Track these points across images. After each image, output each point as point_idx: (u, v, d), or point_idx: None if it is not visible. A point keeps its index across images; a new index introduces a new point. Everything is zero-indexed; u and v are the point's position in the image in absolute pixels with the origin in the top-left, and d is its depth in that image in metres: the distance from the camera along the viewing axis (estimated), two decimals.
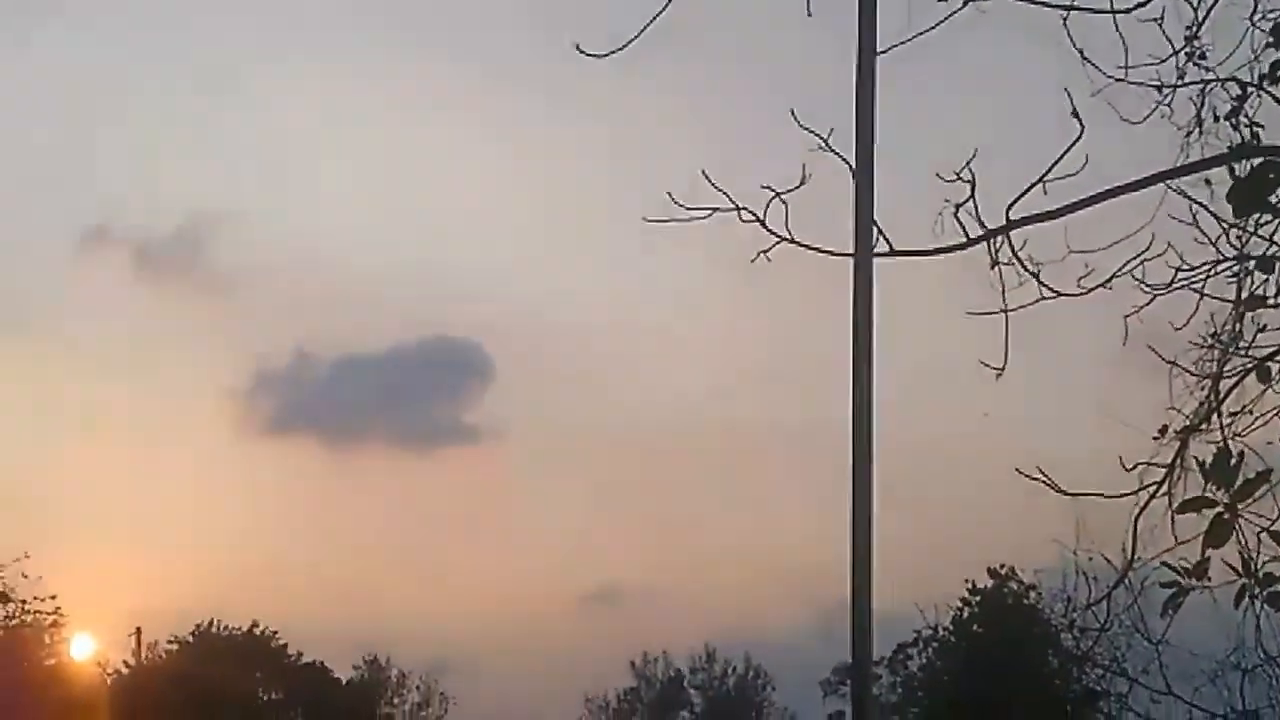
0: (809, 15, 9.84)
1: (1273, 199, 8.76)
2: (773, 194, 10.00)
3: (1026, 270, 9.42)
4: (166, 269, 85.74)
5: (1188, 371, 9.39)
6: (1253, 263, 9.13)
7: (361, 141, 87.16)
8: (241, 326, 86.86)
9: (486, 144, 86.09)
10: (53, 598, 37.68)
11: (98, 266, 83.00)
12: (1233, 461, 8.22)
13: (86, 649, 41.62)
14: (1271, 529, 8.17)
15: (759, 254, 10.16)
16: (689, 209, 10.22)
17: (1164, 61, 9.32)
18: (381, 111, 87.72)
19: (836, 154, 10.14)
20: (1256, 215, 8.98)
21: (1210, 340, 9.34)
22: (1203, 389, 9.34)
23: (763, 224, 9.96)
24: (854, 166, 10.33)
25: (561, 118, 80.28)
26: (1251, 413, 9.21)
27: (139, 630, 52.11)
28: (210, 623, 61.51)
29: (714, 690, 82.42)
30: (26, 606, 37.08)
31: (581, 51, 9.85)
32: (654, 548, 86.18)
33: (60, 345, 75.49)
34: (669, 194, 10.15)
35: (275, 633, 63.88)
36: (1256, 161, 8.86)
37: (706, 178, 9.99)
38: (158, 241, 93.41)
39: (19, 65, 77.31)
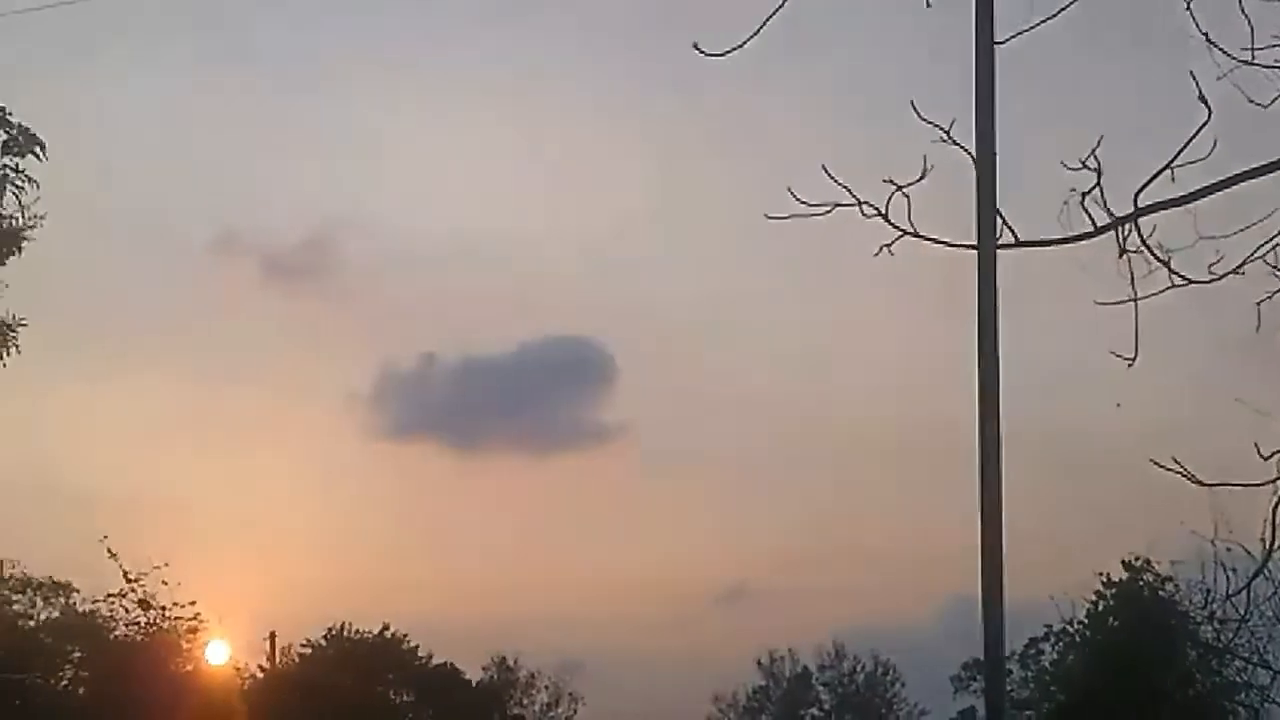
0: (928, 6, 9.77)
1: None
2: (894, 187, 9.95)
3: (1156, 258, 9.28)
4: (293, 274, 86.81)
5: None
6: None
7: (486, 145, 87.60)
8: (367, 330, 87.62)
9: (609, 144, 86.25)
10: (192, 604, 38.16)
11: (226, 273, 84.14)
12: None
13: (222, 654, 42.14)
14: None
15: (882, 248, 10.11)
16: (810, 204, 10.20)
17: None
18: (506, 115, 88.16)
19: (958, 145, 10.07)
20: None
21: None
22: None
23: (885, 218, 9.92)
24: (975, 157, 10.25)
25: (682, 116, 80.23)
26: None
27: (273, 635, 52.70)
28: (342, 626, 62.19)
29: (843, 687, 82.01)
30: (167, 613, 37.56)
31: (701, 51, 9.87)
32: (780, 546, 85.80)
33: (190, 352, 76.80)
34: (790, 190, 10.13)
35: (405, 635, 64.45)
36: None
37: (827, 172, 9.97)
38: (285, 247, 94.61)
39: (148, 74, 78.73)
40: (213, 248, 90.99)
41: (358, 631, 62.43)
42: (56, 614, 47.69)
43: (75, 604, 47.07)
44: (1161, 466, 9.35)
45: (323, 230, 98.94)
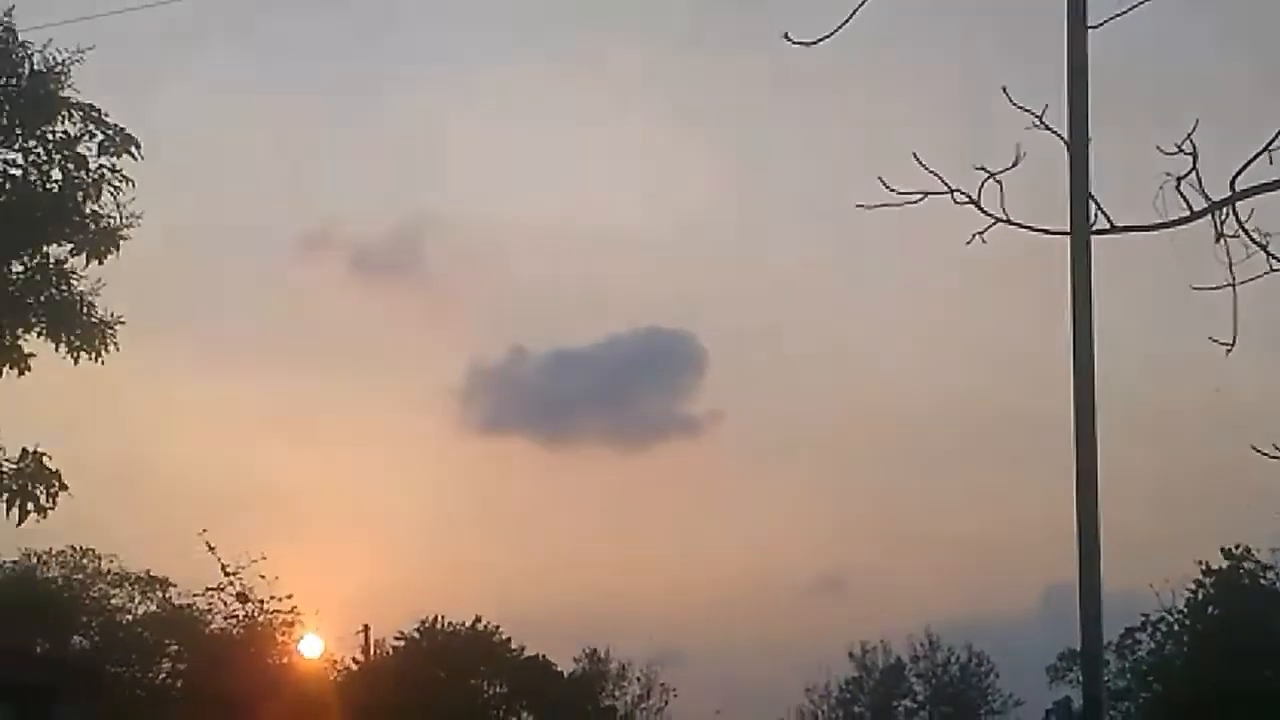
0: None
1: None
2: (986, 174, 9.88)
3: (1254, 242, 9.15)
4: (384, 270, 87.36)
5: None
6: None
7: (572, 137, 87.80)
8: (457, 325, 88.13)
9: (698, 133, 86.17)
10: (289, 597, 38.46)
11: (317, 269, 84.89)
12: None
13: (317, 647, 42.53)
14: None
15: (974, 235, 10.04)
16: (901, 193, 10.14)
17: None
18: (594, 106, 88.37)
19: (1051, 130, 9.98)
20: None
21: None
22: None
23: (977, 205, 9.85)
24: (1069, 142, 10.16)
25: (770, 106, 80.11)
26: None
27: (367, 628, 53.21)
28: (434, 619, 62.60)
29: (936, 678, 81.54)
30: (264, 606, 37.90)
31: (790, 40, 9.85)
32: (872, 536, 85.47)
33: (282, 349, 77.59)
34: (880, 179, 10.08)
35: (497, 627, 64.78)
36: None
37: (918, 160, 9.91)
38: (375, 243, 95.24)
39: (237, 71, 79.57)
40: (304, 244, 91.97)
41: (450, 624, 62.81)
42: (154, 608, 48.38)
43: (172, 598, 47.77)
44: (1261, 453, 9.23)
45: (413, 225, 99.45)
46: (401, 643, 61.21)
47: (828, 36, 9.88)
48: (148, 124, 26.00)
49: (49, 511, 23.83)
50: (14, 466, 23.43)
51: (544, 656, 67.27)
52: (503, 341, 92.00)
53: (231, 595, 37.91)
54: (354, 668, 53.00)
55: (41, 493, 23.53)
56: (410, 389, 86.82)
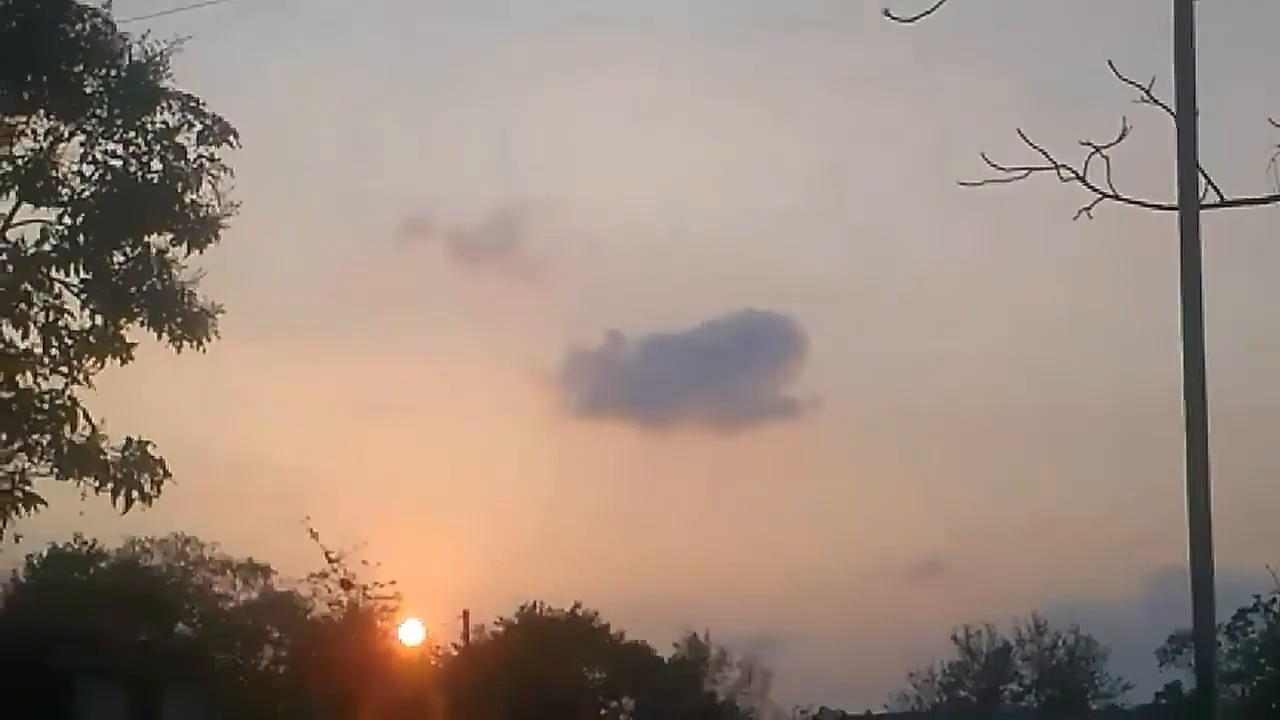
0: None
1: None
2: (1092, 149, 9.69)
3: None
4: (482, 255, 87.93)
5: None
6: None
7: (666, 122, 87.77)
8: (555, 310, 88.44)
9: (794, 117, 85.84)
10: (391, 583, 38.56)
11: (416, 255, 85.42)
12: None
13: (417, 633, 42.72)
14: None
15: (1080, 211, 9.86)
16: (1005, 170, 9.96)
17: None
18: (690, 92, 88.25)
19: (1158, 103, 9.75)
20: None
21: None
22: None
23: (1083, 180, 9.66)
24: (1176, 115, 9.92)
25: (868, 84, 79.57)
26: None
27: (466, 613, 53.43)
28: (534, 604, 62.84)
29: (1043, 662, 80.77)
30: (367, 592, 38.06)
31: (891, 16, 9.69)
32: (976, 519, 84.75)
33: (383, 334, 78.19)
34: (984, 155, 9.90)
35: (596, 613, 64.92)
36: None
37: (1023, 136, 9.73)
38: (473, 229, 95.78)
39: (337, 61, 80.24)
40: (403, 230, 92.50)
41: (549, 610, 63.01)
42: (255, 595, 48.97)
43: (273, 585, 48.31)
44: None
45: (511, 211, 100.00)
46: (501, 628, 61.50)
47: (928, 13, 9.72)
48: (247, 112, 26.28)
49: (153, 499, 24.05)
50: (119, 455, 23.67)
51: (644, 642, 67.39)
52: (600, 326, 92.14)
53: (335, 582, 38.10)
54: (454, 653, 53.28)
55: (146, 481, 23.77)
56: (509, 375, 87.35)
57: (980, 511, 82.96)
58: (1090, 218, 9.76)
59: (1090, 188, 9.75)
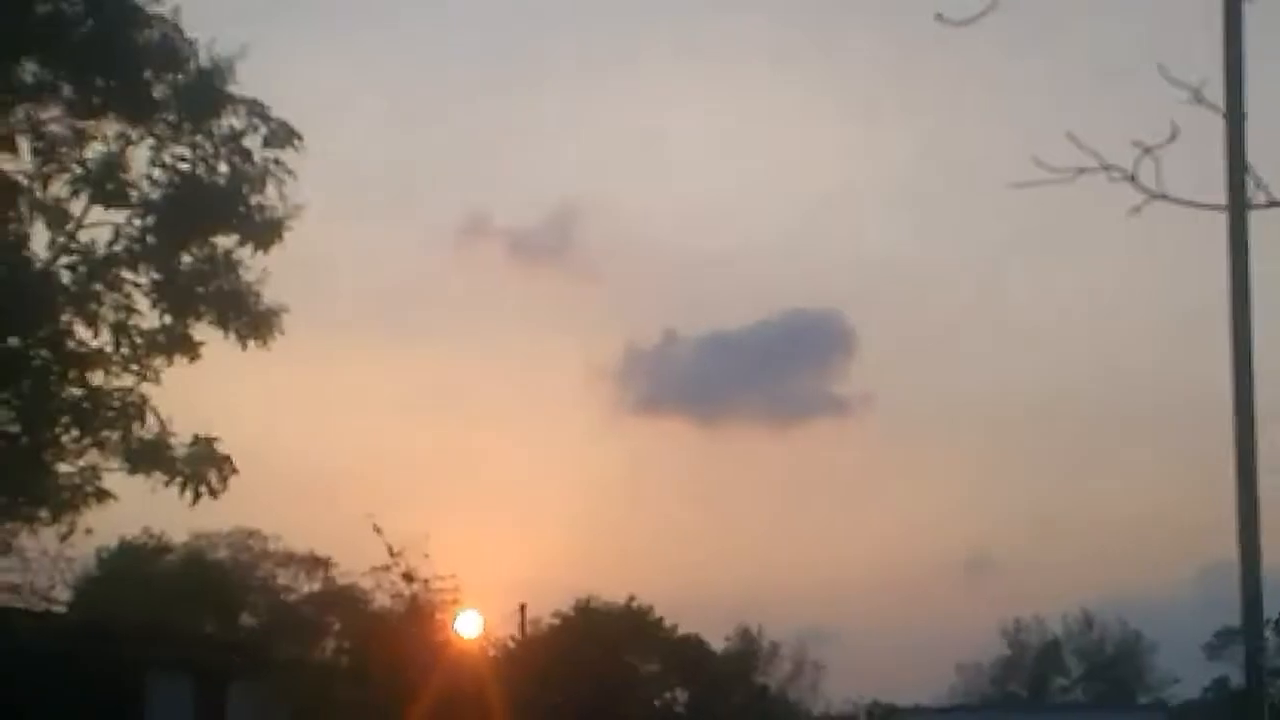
0: None
1: None
2: (1142, 150, 9.92)
3: None
4: (539, 255, 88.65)
5: None
6: None
7: (717, 124, 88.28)
8: (611, 309, 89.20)
9: (842, 115, 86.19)
10: (452, 576, 38.90)
11: (474, 256, 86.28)
12: None
13: (476, 626, 43.08)
14: None
15: (1130, 211, 10.08)
16: (1054, 170, 10.21)
17: None
18: (744, 93, 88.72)
19: (1207, 104, 10.00)
20: None
21: None
22: None
23: (1132, 181, 9.90)
24: (1226, 115, 10.16)
25: (918, 85, 79.77)
26: None
27: (524, 606, 53.91)
28: (589, 598, 63.28)
29: (1091, 656, 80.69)
30: (429, 585, 38.44)
31: (943, 19, 9.96)
32: (1025, 514, 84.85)
33: (442, 333, 78.92)
34: (1034, 157, 10.16)
35: (650, 606, 65.30)
36: None
37: (1072, 139, 9.97)
38: (530, 230, 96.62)
39: (398, 63, 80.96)
40: (462, 231, 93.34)
41: (604, 603, 63.44)
42: (317, 587, 49.50)
43: (335, 577, 48.81)
44: None
45: (568, 211, 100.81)
46: (557, 621, 61.94)
47: (980, 16, 9.98)
48: (309, 114, 26.73)
49: (220, 494, 24.48)
50: (186, 451, 24.09)
51: (697, 635, 67.72)
52: (655, 325, 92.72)
53: (397, 575, 38.50)
54: (511, 646, 53.72)
55: (213, 476, 24.20)
56: (565, 372, 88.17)
57: (1030, 506, 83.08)
58: (1140, 218, 9.98)
59: (1140, 188, 9.98)
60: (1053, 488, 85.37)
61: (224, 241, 24.16)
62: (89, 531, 24.25)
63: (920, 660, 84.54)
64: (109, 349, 23.65)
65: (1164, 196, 10.15)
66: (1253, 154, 10.22)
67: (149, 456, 23.75)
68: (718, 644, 71.27)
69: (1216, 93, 10.39)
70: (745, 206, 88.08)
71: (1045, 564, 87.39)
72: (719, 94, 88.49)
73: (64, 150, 23.76)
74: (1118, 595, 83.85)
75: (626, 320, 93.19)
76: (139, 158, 23.94)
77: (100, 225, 23.89)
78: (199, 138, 23.88)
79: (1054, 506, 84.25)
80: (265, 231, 24.05)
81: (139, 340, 23.82)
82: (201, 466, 24.04)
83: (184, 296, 24.00)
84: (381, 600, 40.97)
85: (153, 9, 23.29)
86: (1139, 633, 79.67)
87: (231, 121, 23.95)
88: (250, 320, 24.20)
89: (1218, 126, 10.20)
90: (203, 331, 24.25)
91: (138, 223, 23.77)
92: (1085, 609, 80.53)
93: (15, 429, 23.15)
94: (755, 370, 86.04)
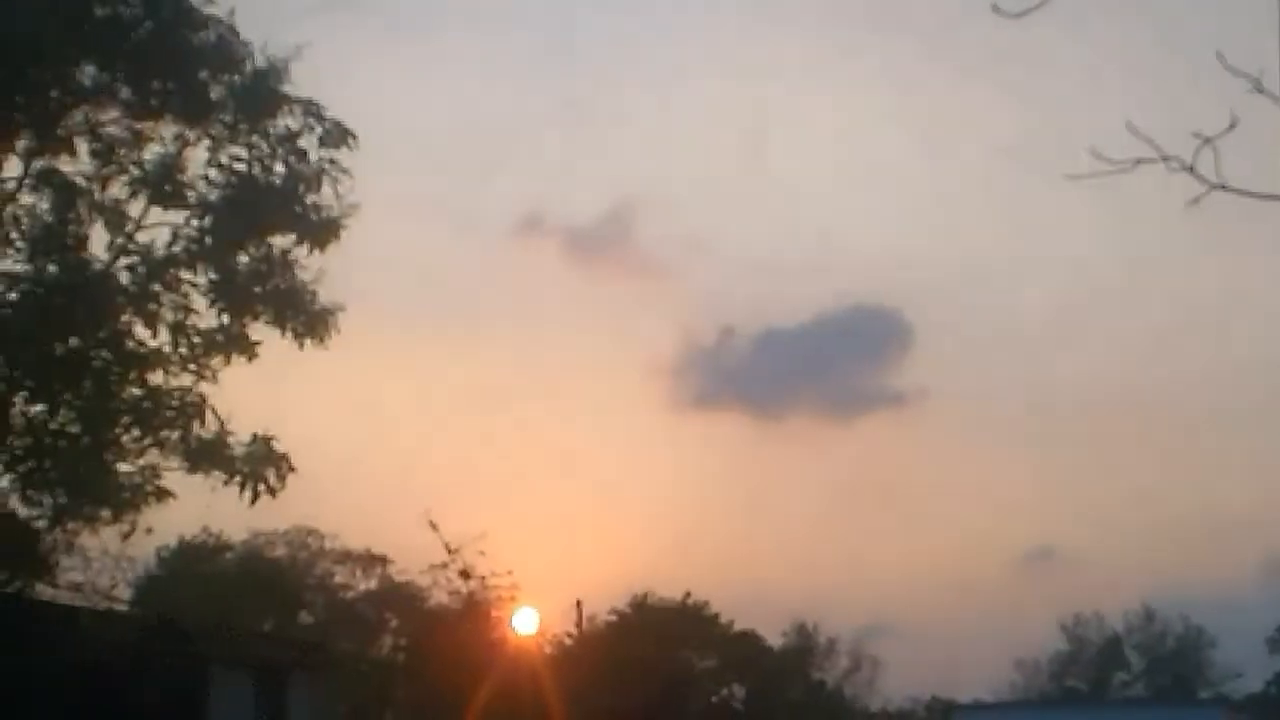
0: None
1: None
2: (1201, 140, 9.86)
3: None
4: (596, 252, 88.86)
5: None
6: None
7: (775, 121, 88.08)
8: (668, 305, 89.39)
9: (898, 111, 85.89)
10: (509, 572, 39.03)
11: (532, 253, 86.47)
12: None
13: (532, 623, 43.20)
14: None
15: (1190, 203, 10.02)
16: (1111, 162, 10.16)
17: None
18: (790, 91, 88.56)
19: (1267, 94, 9.93)
20: None
21: None
22: None
23: (1192, 172, 9.84)
24: None
25: (975, 79, 79.38)
26: None
27: (580, 603, 53.99)
28: (646, 594, 63.27)
29: (1152, 650, 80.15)
30: (485, 582, 38.58)
31: (1000, 12, 9.93)
32: (1083, 509, 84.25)
33: (499, 330, 79.10)
34: (1091, 147, 10.11)
35: (706, 602, 65.26)
36: None
37: (1131, 129, 9.92)
38: (587, 227, 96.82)
39: (455, 60, 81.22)
40: (519, 229, 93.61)
41: (660, 599, 63.45)
42: (374, 585, 49.76)
43: (391, 575, 49.06)
44: None
45: (625, 207, 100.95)
46: (614, 618, 62.00)
47: (1037, 7, 9.95)
48: (365, 112, 26.85)
49: (279, 492, 24.60)
50: (245, 450, 24.22)
51: (753, 631, 67.66)
52: (712, 321, 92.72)
53: (454, 572, 38.66)
54: (567, 642, 53.84)
55: (271, 475, 24.31)
56: (623, 368, 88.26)
57: (1089, 500, 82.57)
58: (1200, 209, 9.90)
59: (1200, 179, 9.91)
60: (1112, 482, 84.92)
61: (280, 241, 24.25)
62: (149, 530, 24.32)
63: (978, 655, 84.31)
64: (168, 349, 23.76)
65: (1224, 187, 10.09)
66: None
67: (208, 455, 23.86)
68: (774, 640, 71.22)
69: (1277, 82, 10.34)
70: (802, 202, 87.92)
71: (1105, 558, 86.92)
72: (776, 90, 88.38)
73: (122, 152, 23.94)
74: (1178, 590, 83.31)
75: (684, 316, 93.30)
76: (196, 159, 24.09)
77: (158, 226, 24.04)
78: (255, 138, 23.99)
79: (1114, 500, 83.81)
80: (321, 231, 24.14)
81: (197, 340, 23.93)
82: (260, 465, 24.13)
83: (241, 296, 24.11)
84: (438, 597, 41.26)
85: (209, 10, 23.45)
86: (1200, 627, 79.15)
87: (287, 121, 24.06)
88: (307, 319, 24.28)
89: (1278, 117, 10.15)
90: (260, 331, 24.34)
91: (195, 223, 23.88)
92: (1145, 603, 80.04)
93: (76, 429, 23.31)
94: (813, 366, 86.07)
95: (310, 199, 24.09)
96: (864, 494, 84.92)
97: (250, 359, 24.36)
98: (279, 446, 24.32)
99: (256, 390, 25.85)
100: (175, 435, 23.66)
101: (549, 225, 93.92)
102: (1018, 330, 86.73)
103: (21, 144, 23.38)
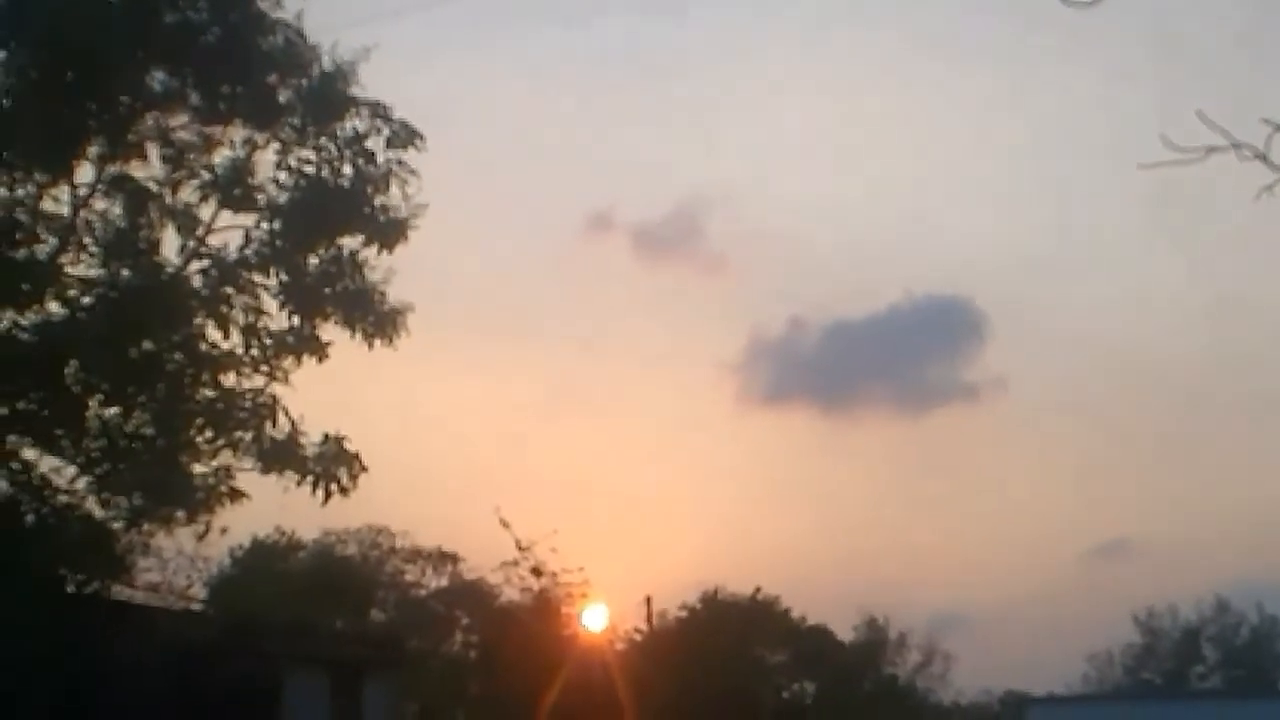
0: None
1: None
2: (1272, 128, 9.78)
3: None
4: (664, 248, 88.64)
5: None
6: None
7: (841, 112, 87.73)
8: (736, 300, 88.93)
9: (971, 102, 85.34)
10: (580, 569, 39.09)
11: (600, 250, 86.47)
12: None
13: (602, 619, 43.29)
14: None
15: (1261, 190, 9.94)
16: (1183, 150, 10.09)
17: None
18: (863, 78, 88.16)
19: None
20: None
21: None
22: None
23: (1265, 160, 9.76)
24: None
25: (1048, 68, 78.82)
26: None
27: (649, 599, 54.04)
28: (715, 590, 63.23)
29: (1228, 642, 79.35)
30: (557, 579, 38.67)
31: (1067, 2, 9.89)
32: (1158, 499, 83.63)
33: (568, 327, 79.26)
34: (1163, 136, 10.04)
35: (777, 597, 65.12)
36: None
37: (1202, 117, 9.86)
38: (655, 223, 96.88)
39: (523, 63, 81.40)
40: (587, 225, 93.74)
41: (731, 595, 63.37)
42: (444, 582, 50.00)
43: (461, 572, 49.29)
44: None
45: (693, 202, 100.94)
46: (684, 614, 62.00)
47: None
48: (431, 110, 26.98)
49: (350, 491, 24.73)
50: (317, 450, 24.37)
51: (824, 625, 67.49)
52: (781, 315, 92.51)
53: (525, 569, 38.77)
54: (638, 639, 53.89)
55: (343, 474, 24.45)
56: (692, 363, 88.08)
57: (1163, 491, 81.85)
58: (1274, 196, 9.84)
59: (1272, 166, 9.84)
60: (1186, 472, 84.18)
61: (349, 242, 24.42)
62: (224, 530, 24.56)
63: (1051, 649, 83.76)
64: (240, 351, 24.01)
65: None
66: None
67: (280, 456, 24.04)
68: (845, 634, 71.02)
69: None
70: (871, 193, 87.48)
71: (1180, 550, 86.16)
72: (844, 82, 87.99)
73: (192, 156, 24.17)
74: (1253, 580, 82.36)
75: (753, 310, 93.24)
76: (265, 162, 24.31)
77: (229, 230, 24.33)
78: (323, 140, 24.17)
79: (1190, 492, 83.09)
80: (389, 231, 24.28)
81: (269, 341, 24.14)
82: (331, 465, 24.29)
83: (311, 298, 24.28)
84: (509, 594, 41.40)
85: (276, 14, 23.63)
86: (1275, 617, 78.28)
87: (355, 123, 24.23)
88: (376, 320, 24.44)
89: None
90: (330, 331, 24.52)
91: (265, 226, 24.10)
92: (1219, 595, 79.30)
93: (151, 431, 23.53)
94: (884, 358, 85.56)
95: (378, 200, 24.24)
96: (936, 487, 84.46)
97: (321, 360, 24.53)
98: (350, 446, 24.49)
99: (327, 391, 26.01)
100: (248, 436, 23.87)
101: (617, 221, 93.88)
102: (1094, 320, 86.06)
103: (94, 150, 23.65)
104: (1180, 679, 78.48)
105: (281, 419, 24.09)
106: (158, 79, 23.70)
